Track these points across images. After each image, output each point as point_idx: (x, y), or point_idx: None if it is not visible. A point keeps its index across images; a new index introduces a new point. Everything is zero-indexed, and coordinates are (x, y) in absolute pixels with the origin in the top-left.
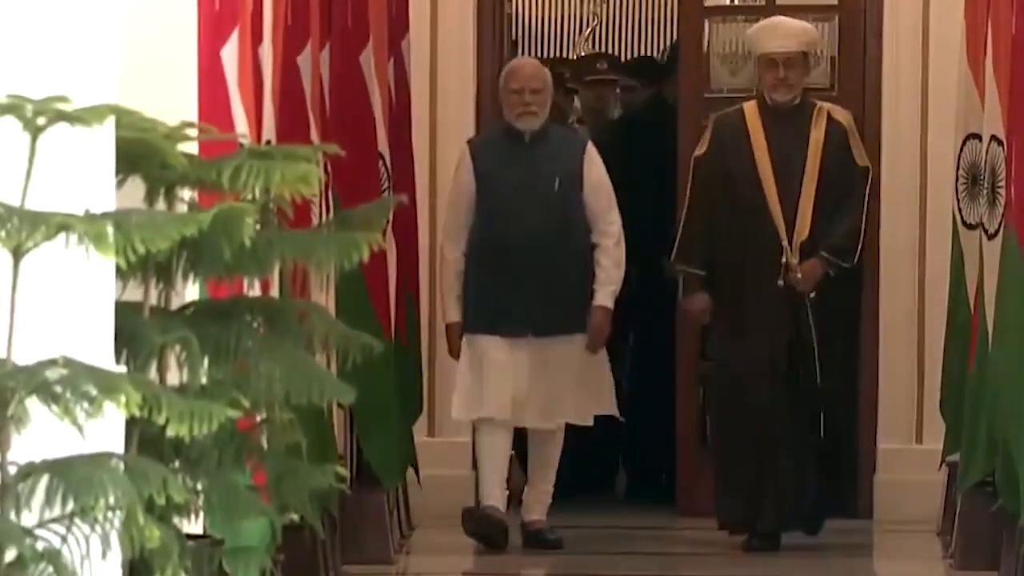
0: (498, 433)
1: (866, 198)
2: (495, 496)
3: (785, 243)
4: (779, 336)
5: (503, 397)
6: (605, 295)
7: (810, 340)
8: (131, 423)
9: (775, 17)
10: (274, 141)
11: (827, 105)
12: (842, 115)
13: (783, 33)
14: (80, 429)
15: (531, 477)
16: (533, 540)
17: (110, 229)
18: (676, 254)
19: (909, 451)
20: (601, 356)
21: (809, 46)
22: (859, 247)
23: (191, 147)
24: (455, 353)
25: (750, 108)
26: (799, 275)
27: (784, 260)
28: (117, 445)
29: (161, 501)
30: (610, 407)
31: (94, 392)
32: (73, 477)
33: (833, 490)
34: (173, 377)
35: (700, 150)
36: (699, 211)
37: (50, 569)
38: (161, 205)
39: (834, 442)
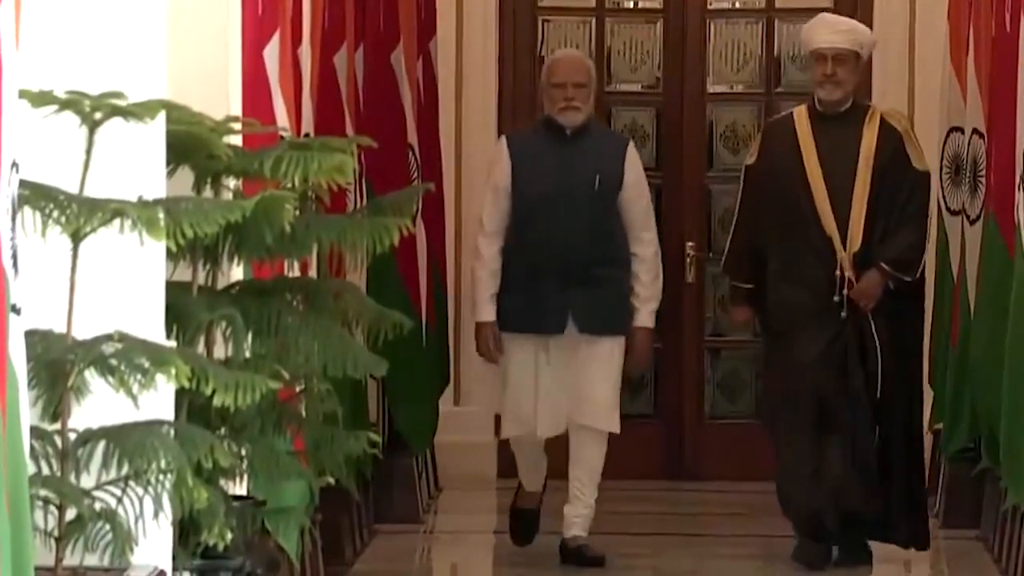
0: (529, 444)
1: (928, 205)
2: (533, 481)
3: (841, 254)
4: (836, 350)
5: (528, 410)
6: (647, 315)
7: (874, 355)
8: (181, 393)
9: (826, 14)
10: (312, 134)
11: (881, 108)
12: (897, 118)
13: (832, 28)
14: (134, 399)
15: (572, 491)
16: (574, 557)
17: (161, 215)
18: (725, 265)
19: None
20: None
21: (859, 46)
22: (922, 259)
23: (236, 139)
24: (483, 351)
25: (799, 113)
26: (856, 290)
27: (839, 273)
28: (168, 413)
29: (208, 465)
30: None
31: (147, 365)
32: (128, 443)
33: (886, 521)
34: (219, 351)
35: (751, 159)
36: (749, 222)
37: (107, 527)
38: (208, 193)
39: (889, 467)
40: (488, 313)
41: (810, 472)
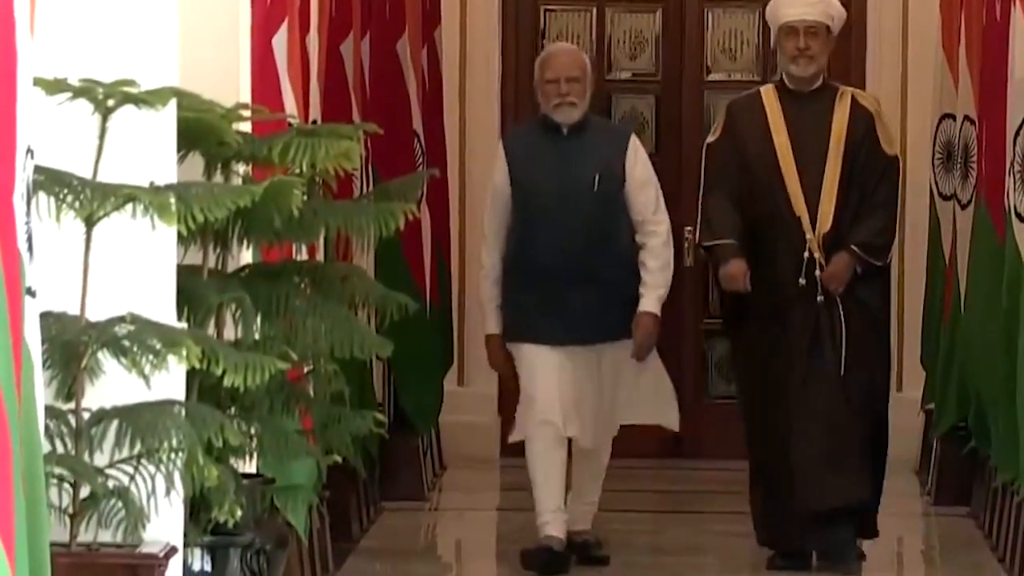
0: (550, 442)
1: (897, 190)
2: (553, 522)
3: (809, 235)
4: (804, 335)
5: (552, 399)
6: (651, 300)
7: (839, 339)
8: (192, 374)
9: None
10: (320, 121)
11: (851, 89)
12: (868, 100)
13: (802, 0)
14: (146, 379)
15: (575, 488)
16: (579, 551)
17: (172, 200)
18: (701, 233)
19: (891, 398)
20: (656, 363)
21: (830, 18)
22: (892, 244)
23: (245, 126)
24: (495, 364)
25: (767, 91)
26: (827, 273)
27: (807, 255)
28: (179, 394)
29: (219, 444)
30: (668, 419)
31: (158, 346)
32: (140, 422)
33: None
34: (229, 333)
35: (712, 137)
36: (716, 188)
37: (120, 504)
38: (218, 178)
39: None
40: (493, 326)
41: (786, 490)
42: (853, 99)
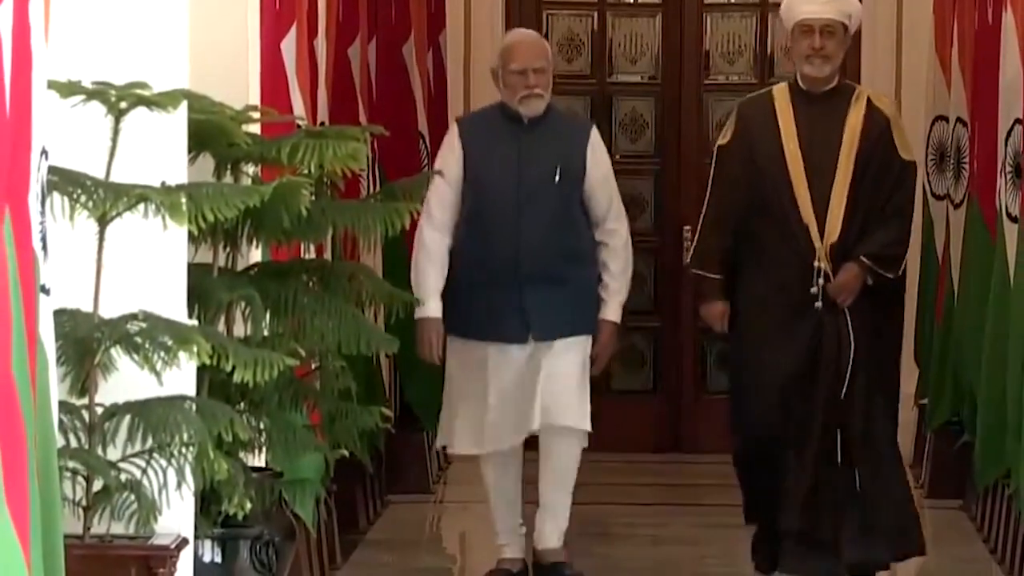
0: (503, 460)
1: (913, 197)
2: (512, 543)
3: (817, 244)
4: (808, 348)
5: (499, 427)
6: (614, 308)
7: (847, 353)
8: (202, 370)
9: None
10: (327, 122)
11: (868, 90)
12: (885, 102)
13: None
14: (158, 375)
15: (543, 499)
16: (549, 573)
17: (183, 200)
18: (692, 257)
19: None
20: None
21: (847, 16)
22: (905, 255)
23: (254, 128)
24: (426, 352)
25: (779, 91)
26: (834, 284)
27: (816, 264)
28: (190, 389)
29: (228, 438)
30: (583, 420)
31: (170, 343)
32: (152, 417)
33: (860, 536)
34: (239, 330)
35: (724, 139)
36: (720, 209)
37: (132, 497)
38: (228, 179)
39: (860, 479)
40: (434, 309)
41: (777, 511)
42: (869, 101)
